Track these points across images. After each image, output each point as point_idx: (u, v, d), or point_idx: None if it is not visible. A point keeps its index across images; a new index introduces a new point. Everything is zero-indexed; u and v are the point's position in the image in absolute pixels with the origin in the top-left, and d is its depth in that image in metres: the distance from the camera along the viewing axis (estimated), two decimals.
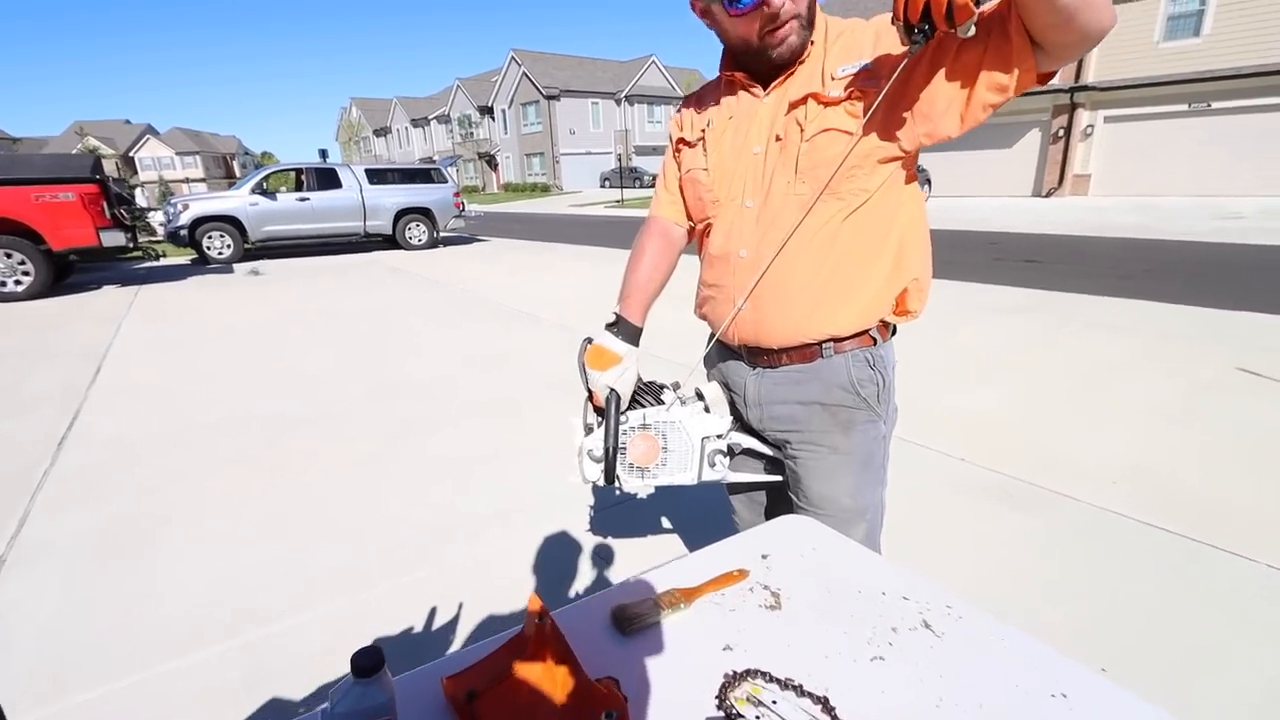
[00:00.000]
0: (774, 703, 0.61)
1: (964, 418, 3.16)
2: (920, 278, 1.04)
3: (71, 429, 3.32)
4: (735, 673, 0.65)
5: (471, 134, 42.82)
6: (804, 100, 0.94)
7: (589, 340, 1.06)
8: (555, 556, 2.11)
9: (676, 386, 1.07)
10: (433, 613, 1.81)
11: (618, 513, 2.37)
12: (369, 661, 0.51)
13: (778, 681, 0.63)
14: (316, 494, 2.59)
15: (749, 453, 1.18)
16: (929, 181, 17.43)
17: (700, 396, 1.06)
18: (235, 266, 9.98)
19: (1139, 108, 15.89)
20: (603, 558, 2.10)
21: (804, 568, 0.84)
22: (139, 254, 10.57)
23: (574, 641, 0.66)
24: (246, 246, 10.40)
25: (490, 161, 43.27)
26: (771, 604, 0.76)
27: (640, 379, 1.07)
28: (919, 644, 0.69)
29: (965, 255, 8.58)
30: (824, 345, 1.02)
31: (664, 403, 1.04)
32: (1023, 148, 17.80)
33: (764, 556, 0.86)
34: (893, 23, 0.78)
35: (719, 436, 1.03)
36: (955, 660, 0.67)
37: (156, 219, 11.90)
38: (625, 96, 38.81)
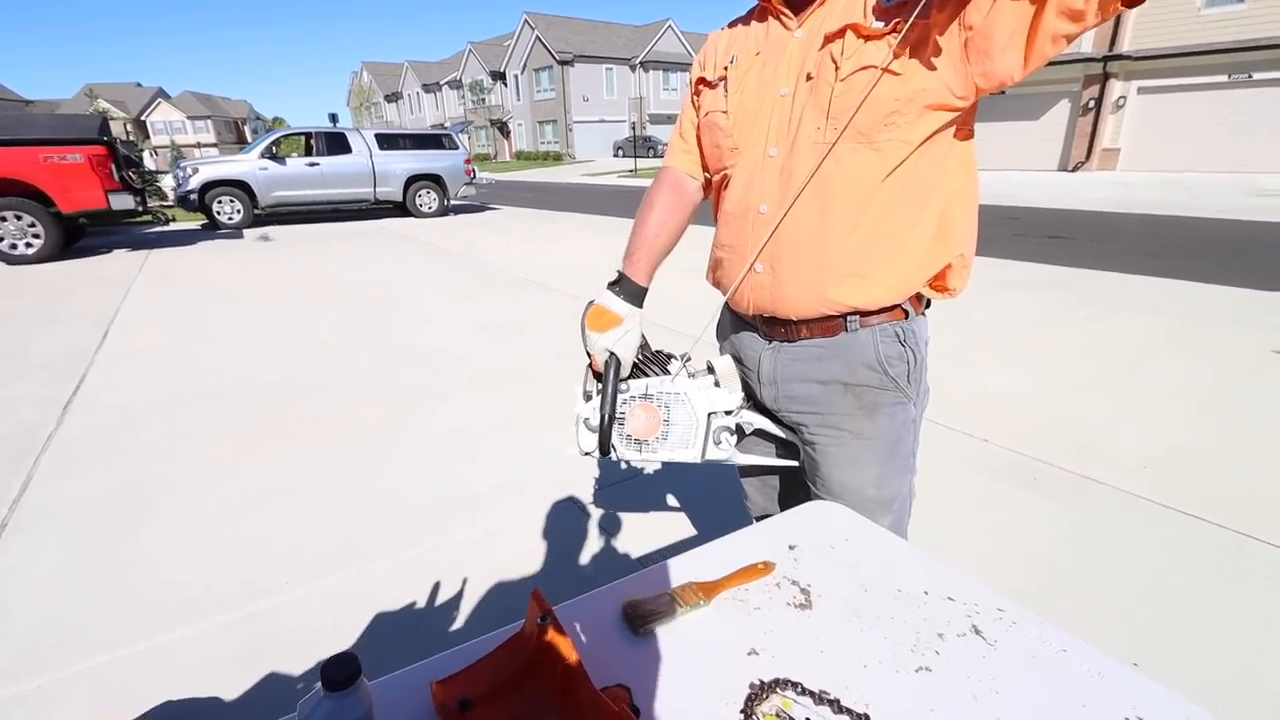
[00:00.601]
0: (806, 719, 0.54)
1: (986, 397, 3.06)
2: (966, 253, 0.92)
3: (77, 393, 3.29)
4: (763, 682, 0.57)
5: (484, 100, 42.17)
6: (841, 33, 0.81)
7: (592, 302, 0.97)
8: (563, 532, 2.05)
9: (686, 358, 0.98)
10: (436, 588, 1.77)
11: (629, 488, 2.31)
12: (343, 673, 0.44)
13: (811, 694, 0.56)
14: (323, 463, 2.55)
15: (761, 434, 1.08)
16: None
17: (710, 370, 0.97)
18: (245, 232, 9.92)
19: (1176, 78, 15.24)
20: (613, 535, 2.04)
21: (836, 560, 0.76)
22: (149, 218, 10.53)
23: (580, 641, 0.59)
24: (256, 212, 10.31)
25: (503, 129, 42.68)
26: (801, 602, 0.68)
27: (648, 347, 0.98)
28: (970, 653, 0.61)
29: (987, 230, 8.31)
30: (848, 318, 0.91)
31: (670, 373, 0.95)
32: (1050, 119, 17.22)
33: (791, 547, 0.78)
34: None
35: (727, 413, 0.94)
36: (1012, 673, 0.59)
37: (167, 183, 11.82)
38: (640, 62, 37.91)
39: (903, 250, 0.87)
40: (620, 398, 0.92)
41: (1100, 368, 3.43)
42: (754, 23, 0.95)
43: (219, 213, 9.98)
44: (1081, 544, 1.96)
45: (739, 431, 1.01)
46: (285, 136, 10.88)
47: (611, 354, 0.91)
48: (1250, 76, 14.17)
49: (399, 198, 11.22)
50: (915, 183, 0.85)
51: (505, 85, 41.38)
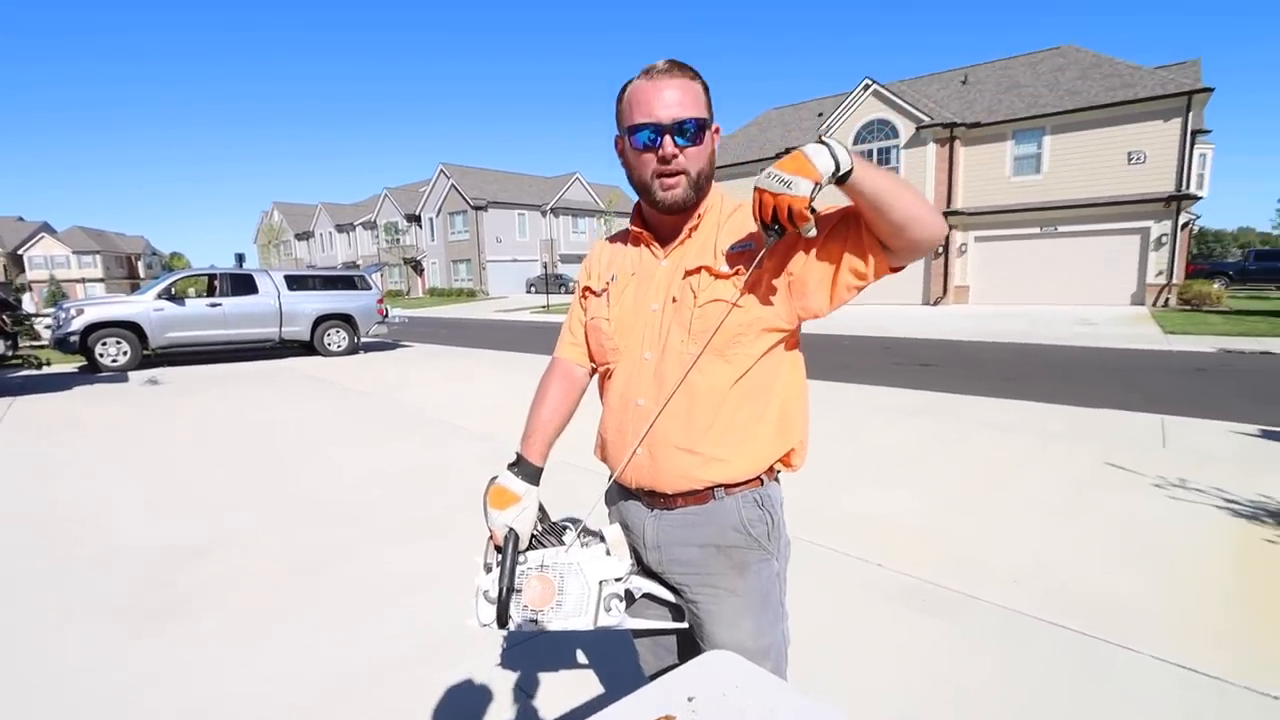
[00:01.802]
0: None
1: (877, 521, 3.32)
2: (804, 439, 1.16)
3: None
4: None
5: (398, 240, 43.18)
6: (698, 270, 1.07)
7: (494, 480, 1.10)
8: (477, 701, 1.98)
9: (580, 526, 1.09)
10: None
11: (541, 645, 2.28)
12: None
13: None
14: (214, 640, 2.33)
15: (650, 597, 1.17)
16: None
17: (602, 538, 1.07)
18: (131, 375, 9.28)
19: (1001, 229, 18.40)
20: (531, 696, 2.00)
21: (727, 707, 0.87)
22: (17, 361, 9.65)
23: None
24: (146, 353, 9.75)
25: (416, 266, 43.48)
26: None
27: (546, 518, 1.10)
28: None
29: (866, 359, 9.28)
30: (715, 489, 1.09)
31: (564, 543, 1.06)
32: None
33: (690, 699, 0.89)
34: (754, 221, 0.95)
35: (617, 579, 1.04)
36: None
37: (43, 324, 11.01)
38: (551, 209, 40.75)
39: (752, 439, 1.09)
40: (518, 569, 1.02)
41: (971, 486, 3.84)
42: (629, 245, 1.20)
43: (101, 355, 9.35)
44: (970, 661, 2.13)
45: (628, 597, 1.09)
46: (186, 277, 10.64)
47: (510, 530, 1.03)
48: (1056, 229, 17.34)
49: (306, 337, 11.03)
50: (759, 385, 1.08)
51: (420, 227, 42.81)
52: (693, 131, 1.01)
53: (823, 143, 0.88)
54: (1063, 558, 2.86)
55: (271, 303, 10.61)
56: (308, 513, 3.60)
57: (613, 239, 1.27)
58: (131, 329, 9.53)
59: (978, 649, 2.20)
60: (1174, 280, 16.16)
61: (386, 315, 12.08)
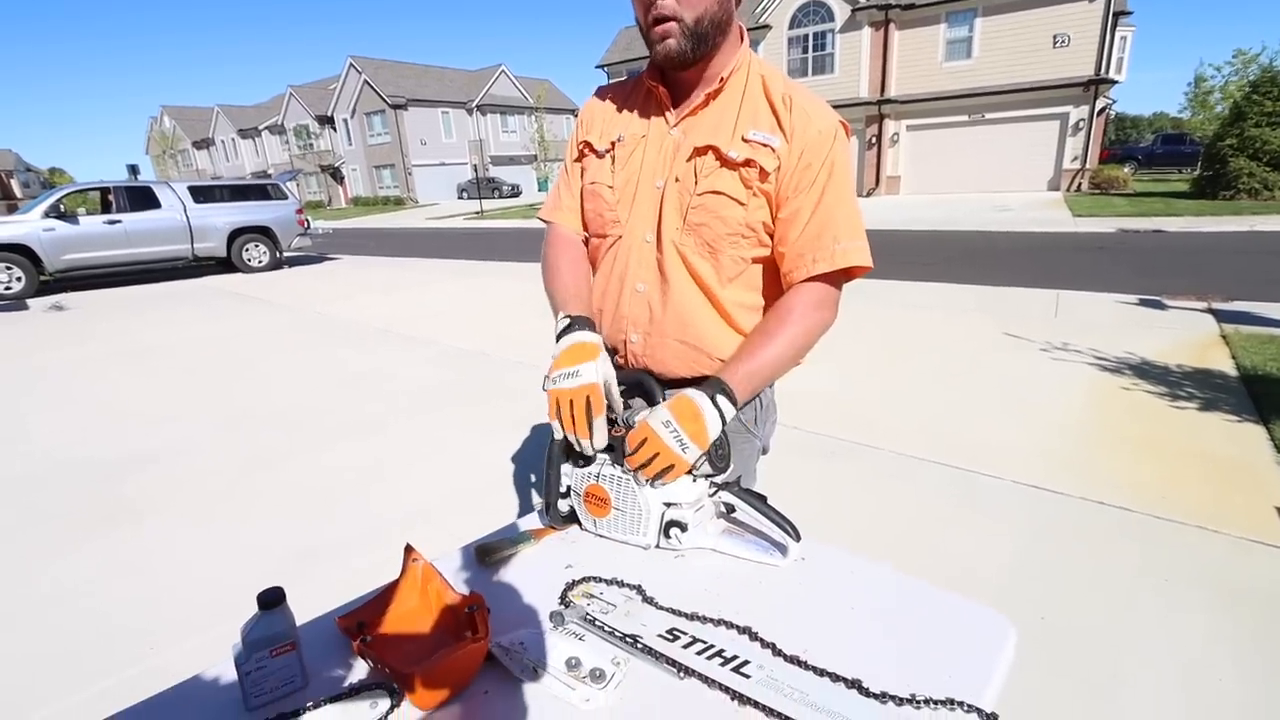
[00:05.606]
0: (601, 593, 0.82)
1: (793, 394, 3.63)
2: None
3: None
4: (574, 580, 0.85)
5: (311, 145, 39.66)
6: (705, 151, 0.93)
7: (562, 338, 0.92)
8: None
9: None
10: None
11: (490, 519, 2.50)
12: (272, 596, 0.65)
13: (605, 581, 0.84)
14: (159, 537, 2.44)
15: (738, 523, 0.94)
16: None
17: None
18: (30, 303, 8.61)
19: (931, 118, 18.51)
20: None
21: None
22: None
23: (444, 575, 0.83)
24: (44, 279, 9.00)
25: (335, 174, 40.38)
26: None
27: (621, 408, 0.94)
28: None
29: None
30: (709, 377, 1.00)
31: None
32: None
33: None
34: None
35: (690, 503, 0.87)
36: (786, 579, 0.91)
37: None
38: (477, 106, 38.02)
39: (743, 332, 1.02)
40: (582, 473, 0.92)
41: (887, 358, 4.21)
42: (640, 99, 1.03)
43: None
44: (872, 492, 2.50)
45: (728, 508, 0.92)
46: (75, 192, 9.67)
47: (590, 392, 0.87)
48: (984, 117, 17.59)
49: (222, 253, 10.35)
50: (759, 285, 1.02)
51: (334, 130, 39.31)
52: None
53: (715, 401, 0.86)
54: (953, 413, 3.26)
55: (178, 217, 9.82)
56: (246, 422, 3.63)
57: (620, 87, 1.08)
58: (22, 252, 8.72)
59: (876, 484, 2.57)
60: (1088, 165, 16.89)
61: (308, 227, 11.42)
